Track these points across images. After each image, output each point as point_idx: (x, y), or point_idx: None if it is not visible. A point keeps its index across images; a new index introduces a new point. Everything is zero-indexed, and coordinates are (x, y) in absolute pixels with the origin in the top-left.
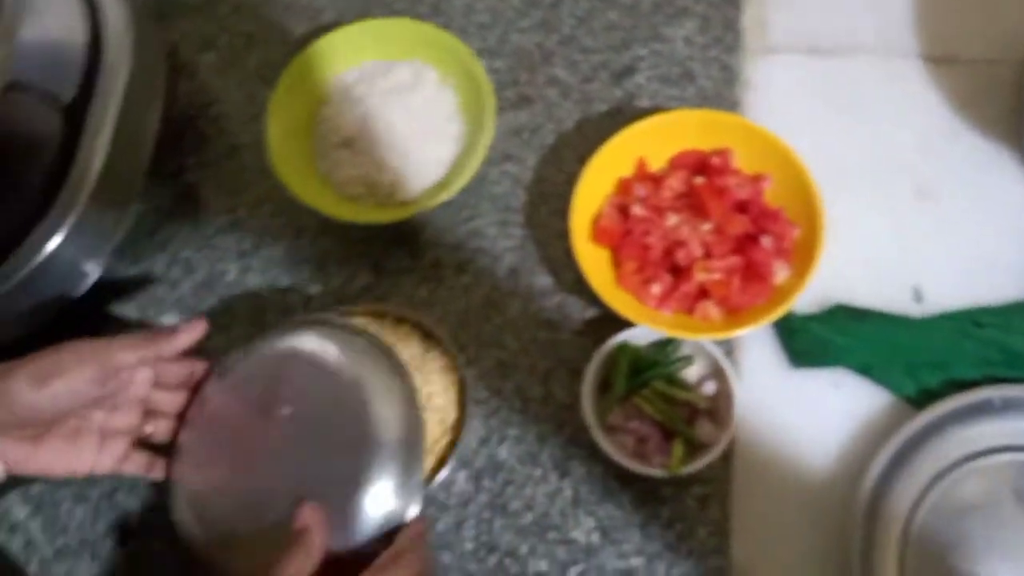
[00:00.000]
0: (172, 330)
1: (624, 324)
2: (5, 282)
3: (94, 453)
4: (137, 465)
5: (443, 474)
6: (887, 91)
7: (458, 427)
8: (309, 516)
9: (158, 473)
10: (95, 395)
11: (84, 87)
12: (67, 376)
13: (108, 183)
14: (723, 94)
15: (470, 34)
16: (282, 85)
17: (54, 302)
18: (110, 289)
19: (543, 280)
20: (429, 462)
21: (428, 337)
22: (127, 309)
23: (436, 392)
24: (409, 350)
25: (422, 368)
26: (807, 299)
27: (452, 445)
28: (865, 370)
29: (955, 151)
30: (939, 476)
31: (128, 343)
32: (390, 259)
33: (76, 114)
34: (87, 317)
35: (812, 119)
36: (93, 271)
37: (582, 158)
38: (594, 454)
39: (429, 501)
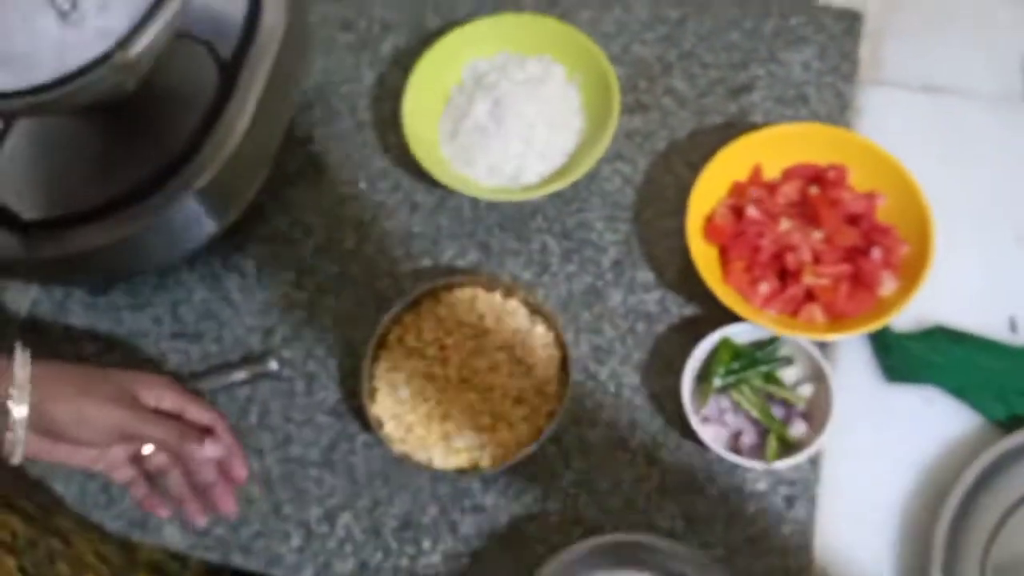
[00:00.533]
0: (203, 438)
1: (723, 324)
2: (147, 216)
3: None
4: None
5: (539, 443)
6: (995, 134)
7: (558, 399)
8: None
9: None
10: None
11: (241, 46)
12: (99, 430)
13: (251, 138)
14: (834, 118)
15: (594, 41)
16: (420, 66)
17: (190, 240)
18: (231, 241)
19: (645, 275)
20: (524, 429)
21: (534, 312)
22: (248, 262)
23: (539, 364)
24: (516, 322)
25: (526, 341)
26: (906, 319)
27: (551, 416)
28: (958, 391)
29: None
30: (1022, 500)
31: (160, 431)
32: (499, 240)
33: (232, 70)
34: (210, 263)
35: (918, 153)
36: (229, 216)
37: (693, 165)
38: (681, 446)
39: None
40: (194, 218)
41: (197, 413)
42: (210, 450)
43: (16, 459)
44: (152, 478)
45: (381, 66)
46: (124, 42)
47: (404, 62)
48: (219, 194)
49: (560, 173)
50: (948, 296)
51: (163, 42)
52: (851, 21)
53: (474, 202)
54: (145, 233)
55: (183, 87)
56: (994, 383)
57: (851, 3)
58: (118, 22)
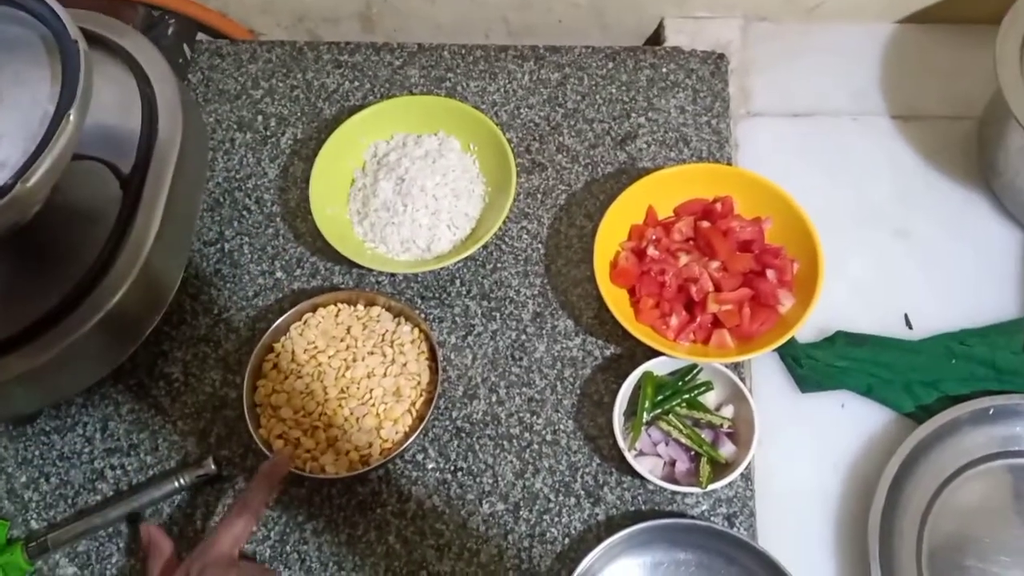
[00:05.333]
0: None
1: (642, 360)
2: (63, 340)
3: None
4: None
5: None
6: (861, 145)
7: (431, 387)
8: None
9: None
10: None
11: (140, 160)
12: None
13: (161, 247)
14: (715, 154)
15: (483, 111)
16: (322, 154)
17: (112, 355)
18: (154, 349)
19: (565, 323)
20: (409, 420)
21: (397, 315)
22: (174, 368)
23: (410, 359)
24: (382, 326)
25: (394, 341)
26: (810, 330)
27: (429, 403)
28: (867, 391)
29: (927, 195)
30: (945, 483)
31: None
32: (422, 310)
33: (134, 184)
34: (135, 374)
35: (795, 173)
36: (147, 326)
37: (591, 215)
38: (622, 482)
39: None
40: (113, 334)
41: None
42: None
43: None
44: None
45: (283, 158)
46: (20, 174)
47: (304, 152)
48: (136, 306)
49: (470, 238)
50: (845, 302)
51: (60, 168)
52: (717, 62)
53: (392, 276)
54: (66, 355)
55: (86, 207)
56: (899, 379)
57: (715, 44)
58: (13, 153)
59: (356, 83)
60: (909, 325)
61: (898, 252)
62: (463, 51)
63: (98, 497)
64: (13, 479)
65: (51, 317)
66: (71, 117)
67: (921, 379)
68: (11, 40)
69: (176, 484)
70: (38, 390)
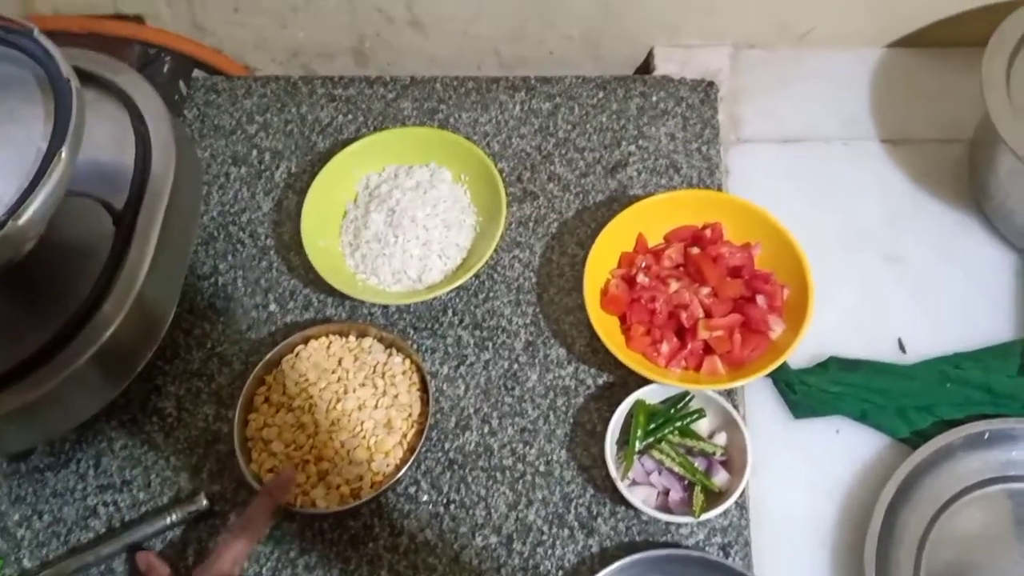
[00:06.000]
0: None
1: (635, 387)
2: (56, 376)
3: None
4: None
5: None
6: (851, 170)
7: (423, 418)
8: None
9: None
10: None
11: (134, 196)
12: None
13: (154, 282)
14: (706, 181)
15: (475, 142)
16: (314, 187)
17: (106, 390)
18: (147, 384)
19: (557, 352)
20: (400, 452)
21: (389, 345)
22: (167, 403)
23: (401, 391)
24: (373, 357)
25: (385, 372)
26: (803, 355)
27: (420, 434)
28: (861, 416)
29: (917, 218)
30: (941, 509)
31: None
32: (415, 341)
33: (127, 220)
34: (128, 409)
35: (785, 199)
36: (140, 360)
37: (583, 243)
38: (616, 512)
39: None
40: (106, 369)
41: None
42: None
43: None
44: None
45: (276, 192)
46: (13, 211)
47: (298, 185)
48: (129, 341)
49: (462, 268)
50: (836, 328)
51: (53, 206)
52: (706, 90)
53: (385, 307)
54: (59, 391)
55: (80, 243)
56: (892, 403)
57: (704, 72)
58: (6, 191)
59: (350, 116)
60: (903, 349)
61: (889, 276)
62: (455, 83)
63: (91, 534)
64: (6, 517)
65: (44, 353)
66: (63, 155)
67: (915, 404)
68: (6, 79)
69: (168, 520)
70: (31, 427)
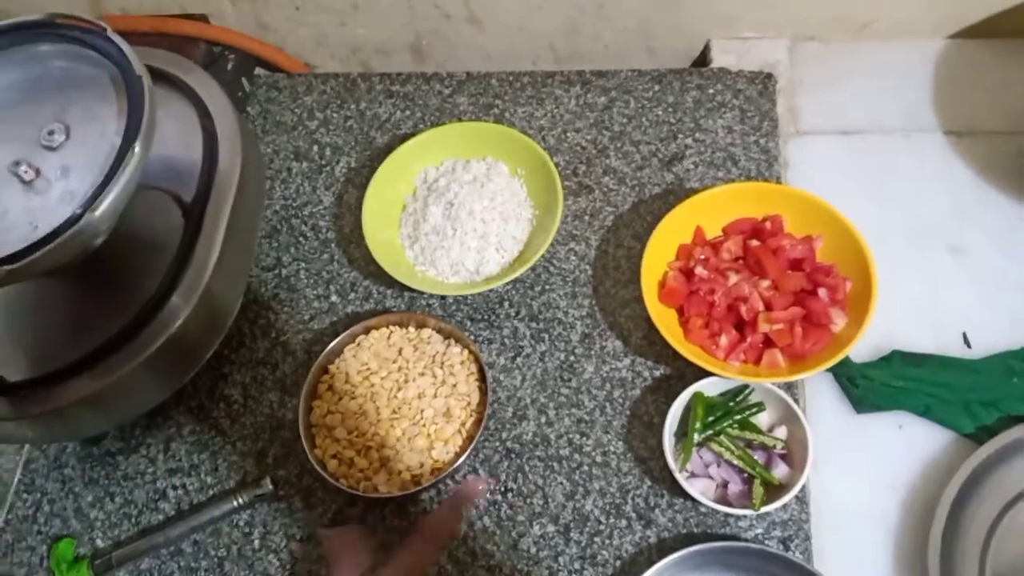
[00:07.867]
0: None
1: (692, 380)
2: (130, 362)
3: None
4: None
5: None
6: (912, 162)
7: (481, 407)
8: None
9: None
10: None
11: (202, 189)
12: None
13: (221, 273)
14: (764, 173)
15: (531, 136)
16: (375, 182)
17: (174, 378)
18: (215, 372)
19: (614, 344)
20: (459, 440)
21: (448, 336)
22: (233, 390)
23: (460, 380)
24: (433, 347)
25: (444, 362)
26: (865, 349)
27: (479, 423)
28: (925, 412)
29: (981, 211)
30: (1009, 505)
31: None
32: (472, 332)
33: (196, 212)
34: (196, 396)
35: (845, 191)
36: (208, 350)
37: (639, 236)
38: (673, 504)
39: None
40: (174, 358)
41: None
42: None
43: None
44: None
45: (337, 186)
46: (89, 204)
47: (357, 180)
48: (197, 331)
49: (518, 261)
50: (900, 321)
51: (126, 199)
52: (764, 82)
53: (443, 298)
54: (130, 378)
55: (150, 235)
56: (958, 399)
57: (762, 65)
58: (81, 185)
59: (407, 112)
60: (967, 343)
61: (953, 269)
62: (511, 78)
63: (160, 516)
64: (80, 498)
65: (116, 342)
66: (136, 149)
67: (981, 399)
68: (83, 79)
69: (235, 503)
70: (103, 413)
